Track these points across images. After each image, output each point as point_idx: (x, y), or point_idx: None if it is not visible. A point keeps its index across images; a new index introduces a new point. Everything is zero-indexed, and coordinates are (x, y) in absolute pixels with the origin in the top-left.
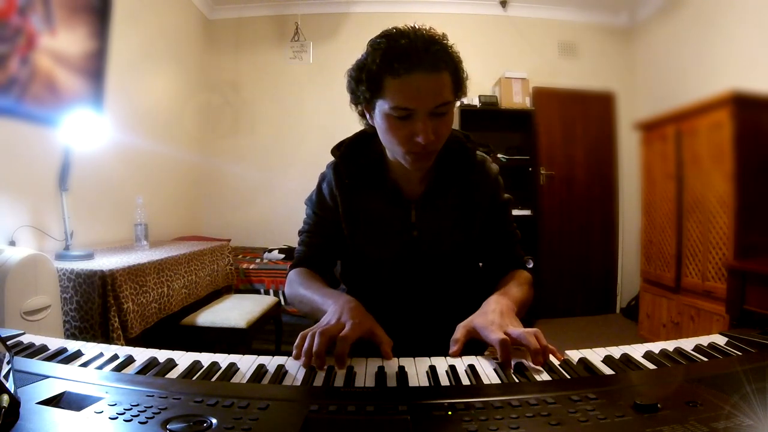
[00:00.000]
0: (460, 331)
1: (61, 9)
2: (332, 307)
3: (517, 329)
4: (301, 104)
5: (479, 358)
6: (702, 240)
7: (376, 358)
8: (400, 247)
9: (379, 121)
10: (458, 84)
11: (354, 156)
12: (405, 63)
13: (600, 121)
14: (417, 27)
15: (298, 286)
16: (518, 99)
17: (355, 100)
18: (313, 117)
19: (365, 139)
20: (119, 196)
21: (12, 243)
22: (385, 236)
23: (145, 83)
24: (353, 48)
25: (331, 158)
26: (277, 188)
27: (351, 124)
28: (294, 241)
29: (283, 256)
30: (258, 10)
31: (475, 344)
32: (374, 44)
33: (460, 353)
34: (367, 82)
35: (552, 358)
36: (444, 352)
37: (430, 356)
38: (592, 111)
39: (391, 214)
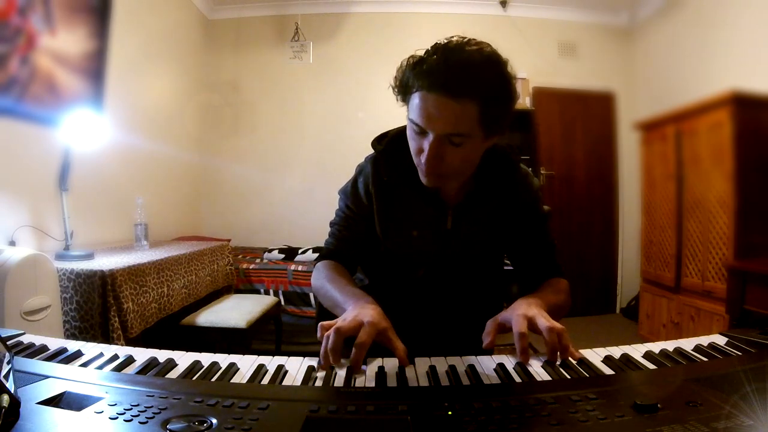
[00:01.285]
0: (490, 325)
1: (61, 9)
2: (351, 307)
3: (543, 322)
4: (301, 104)
5: (479, 358)
6: (702, 240)
7: (377, 358)
8: (432, 251)
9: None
10: (491, 118)
11: (396, 152)
12: (426, 81)
13: (600, 121)
14: (469, 46)
15: (323, 279)
16: (518, 99)
17: (400, 101)
18: (313, 117)
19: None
20: (119, 196)
21: (12, 243)
22: (419, 240)
23: (145, 83)
24: (353, 48)
25: (333, 162)
26: (277, 188)
27: (351, 124)
28: (293, 241)
29: (283, 256)
30: (258, 10)
31: (476, 344)
32: (418, 52)
33: (493, 345)
34: (399, 86)
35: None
36: (461, 351)
37: (446, 354)
38: (592, 111)
39: (427, 218)
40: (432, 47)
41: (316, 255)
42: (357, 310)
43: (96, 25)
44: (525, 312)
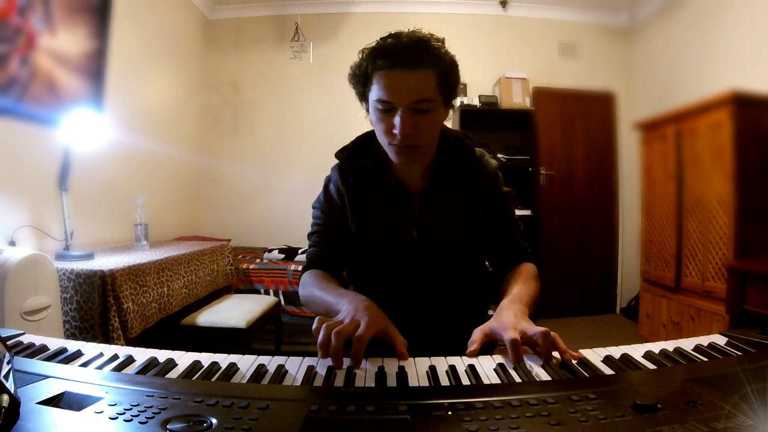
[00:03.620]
0: (476, 334)
1: (61, 9)
2: (346, 306)
3: (533, 328)
4: (301, 104)
5: (479, 358)
6: (702, 240)
7: (377, 358)
8: (405, 237)
9: (370, 115)
10: (446, 85)
11: (356, 157)
12: (388, 59)
13: (600, 121)
14: (413, 30)
15: (311, 288)
16: (518, 99)
17: (358, 96)
18: (313, 117)
19: (366, 141)
20: (119, 196)
21: (12, 243)
22: (391, 228)
23: (145, 83)
24: (353, 48)
25: (335, 161)
26: (277, 188)
27: (350, 123)
28: (293, 241)
29: (283, 256)
30: (258, 10)
31: (461, 338)
32: (369, 45)
33: (477, 353)
34: (358, 77)
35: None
36: (448, 348)
37: (434, 352)
38: (592, 111)
39: (395, 208)
40: (381, 39)
41: None
42: (354, 309)
43: (96, 25)
44: (513, 323)
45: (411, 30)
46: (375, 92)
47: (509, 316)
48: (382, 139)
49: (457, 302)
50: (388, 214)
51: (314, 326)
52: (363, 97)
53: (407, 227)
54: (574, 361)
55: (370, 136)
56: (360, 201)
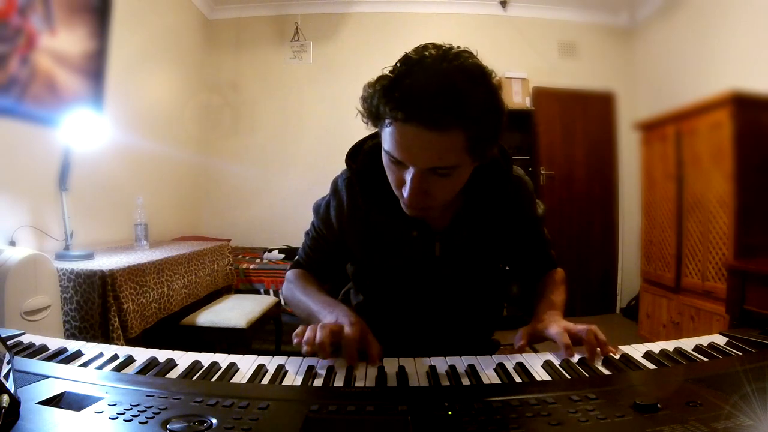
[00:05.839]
0: (521, 332)
1: (61, 9)
2: (328, 316)
3: (577, 326)
4: (301, 104)
5: (479, 358)
6: (702, 240)
7: None
8: (421, 279)
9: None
10: (478, 145)
11: (372, 171)
12: (402, 111)
13: (600, 121)
14: (446, 57)
15: (295, 289)
16: (518, 99)
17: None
18: (313, 117)
19: None
20: (119, 196)
21: (12, 243)
22: (406, 269)
23: (145, 83)
24: (353, 48)
25: (334, 161)
26: (277, 188)
27: (351, 123)
28: (293, 241)
29: (283, 256)
30: (258, 10)
31: (476, 344)
32: (384, 72)
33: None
34: (368, 111)
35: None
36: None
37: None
38: (592, 111)
39: (413, 246)
40: (402, 64)
41: None
42: (335, 316)
43: (96, 25)
44: (556, 321)
45: (443, 55)
46: (385, 139)
47: (550, 316)
48: (393, 187)
49: (466, 324)
50: (404, 254)
51: (297, 330)
52: (376, 127)
53: (425, 270)
54: (616, 356)
55: None
56: (370, 233)
